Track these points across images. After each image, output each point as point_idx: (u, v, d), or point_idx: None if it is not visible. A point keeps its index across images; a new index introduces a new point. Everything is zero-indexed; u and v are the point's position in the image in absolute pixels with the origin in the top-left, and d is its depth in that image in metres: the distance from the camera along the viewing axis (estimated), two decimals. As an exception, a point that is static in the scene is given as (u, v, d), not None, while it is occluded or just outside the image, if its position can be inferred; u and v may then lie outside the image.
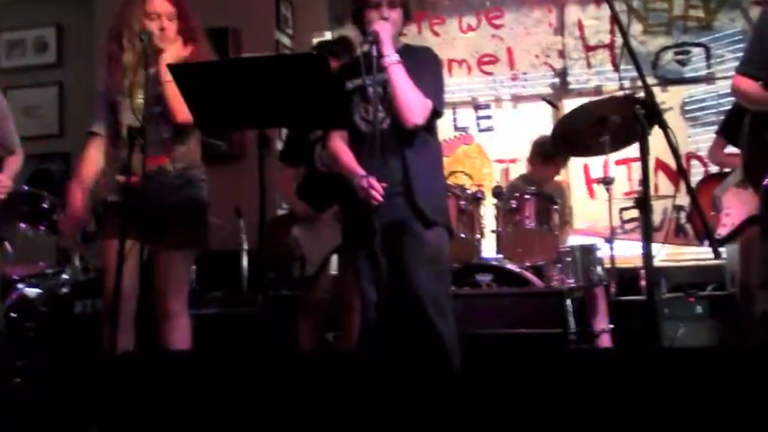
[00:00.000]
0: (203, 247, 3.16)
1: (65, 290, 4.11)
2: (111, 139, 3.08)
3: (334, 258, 3.78)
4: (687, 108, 5.33)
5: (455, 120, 5.64)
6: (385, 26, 2.64)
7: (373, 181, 2.58)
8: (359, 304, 3.41)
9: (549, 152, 4.56)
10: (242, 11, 5.49)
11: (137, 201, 2.83)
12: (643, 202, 4.36)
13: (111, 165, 3.07)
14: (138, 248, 2.86)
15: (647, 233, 2.08)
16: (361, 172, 2.67)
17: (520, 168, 5.04)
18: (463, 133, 5.65)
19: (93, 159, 3.10)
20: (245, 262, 4.65)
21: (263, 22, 5.58)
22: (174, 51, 2.96)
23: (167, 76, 2.71)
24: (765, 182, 2.80)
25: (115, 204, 3.03)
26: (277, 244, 3.73)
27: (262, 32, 5.54)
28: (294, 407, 2.43)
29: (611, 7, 2.24)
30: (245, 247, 4.69)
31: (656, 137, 2.27)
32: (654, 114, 2.14)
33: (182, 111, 2.81)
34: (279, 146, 4.52)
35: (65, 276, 4.17)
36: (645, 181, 2.09)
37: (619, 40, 5.41)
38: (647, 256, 2.04)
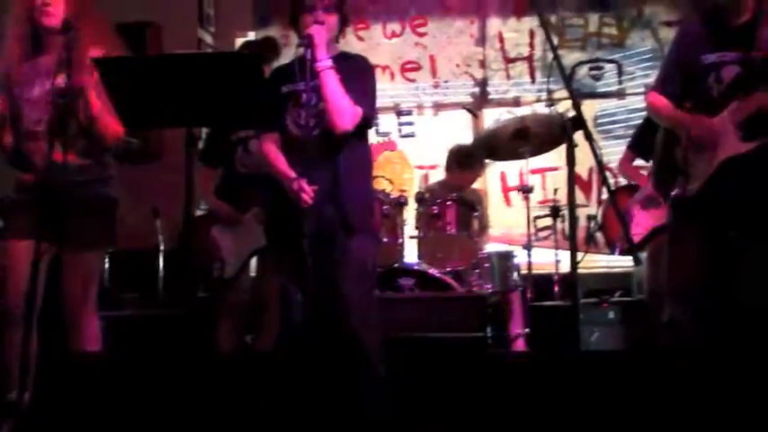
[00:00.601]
0: (111, 245, 3.08)
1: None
2: (11, 131, 2.93)
3: (253, 260, 3.74)
4: (599, 121, 5.55)
5: (377, 125, 5.68)
6: (320, 30, 2.64)
7: (304, 183, 2.59)
8: (277, 306, 3.40)
9: (464, 160, 4.73)
10: (163, 6, 5.38)
11: (41, 198, 2.71)
12: (558, 210, 4.56)
13: (12, 159, 2.93)
14: (48, 249, 2.76)
15: (573, 240, 2.15)
16: (293, 174, 2.67)
17: (439, 174, 5.13)
18: (386, 139, 5.70)
19: None
20: (161, 263, 4.54)
21: (184, 19, 5.48)
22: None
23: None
24: (673, 193, 2.94)
25: (20, 203, 2.89)
26: (196, 245, 3.67)
27: (183, 29, 5.44)
28: (215, 408, 2.40)
29: (542, 22, 2.31)
30: (162, 247, 4.59)
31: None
32: (579, 126, 2.22)
33: (114, 134, 2.83)
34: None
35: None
36: (570, 190, 2.17)
37: (537, 53, 5.60)
38: (573, 261, 2.12)
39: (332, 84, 2.66)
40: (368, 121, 2.81)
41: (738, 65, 2.74)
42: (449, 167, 4.87)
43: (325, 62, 2.65)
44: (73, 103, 2.79)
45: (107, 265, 4.33)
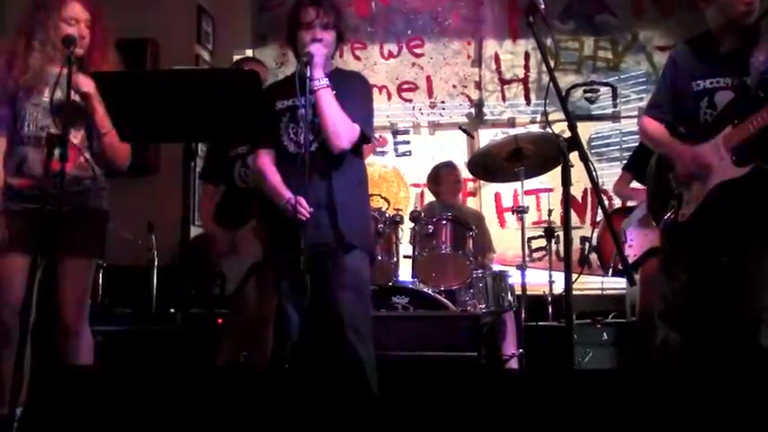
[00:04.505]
0: (100, 257, 3.07)
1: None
2: (11, 137, 2.93)
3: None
4: (594, 144, 5.59)
5: (375, 141, 5.69)
6: (320, 49, 2.65)
7: (300, 199, 2.58)
8: (273, 323, 3.38)
9: (433, 174, 4.89)
10: (162, 24, 5.41)
11: (34, 207, 2.75)
12: (552, 231, 4.58)
13: (6, 166, 2.91)
14: (37, 261, 2.75)
15: (568, 260, 2.16)
16: (287, 194, 2.66)
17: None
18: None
19: None
20: (155, 278, 4.53)
21: (183, 36, 5.52)
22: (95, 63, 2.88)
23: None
24: (665, 218, 2.95)
25: (12, 213, 2.87)
26: (197, 262, 3.66)
27: (181, 46, 5.48)
28: (209, 424, 2.38)
29: (539, 44, 2.34)
30: (156, 263, 4.58)
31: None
32: (575, 147, 2.24)
33: (121, 158, 2.90)
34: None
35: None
36: (566, 210, 2.18)
37: (532, 75, 5.65)
38: (568, 282, 2.13)
39: (329, 103, 2.66)
40: (366, 138, 2.81)
41: (732, 90, 2.77)
42: (431, 189, 5.01)
43: (321, 81, 2.65)
44: (75, 117, 2.80)
45: (101, 280, 4.32)
